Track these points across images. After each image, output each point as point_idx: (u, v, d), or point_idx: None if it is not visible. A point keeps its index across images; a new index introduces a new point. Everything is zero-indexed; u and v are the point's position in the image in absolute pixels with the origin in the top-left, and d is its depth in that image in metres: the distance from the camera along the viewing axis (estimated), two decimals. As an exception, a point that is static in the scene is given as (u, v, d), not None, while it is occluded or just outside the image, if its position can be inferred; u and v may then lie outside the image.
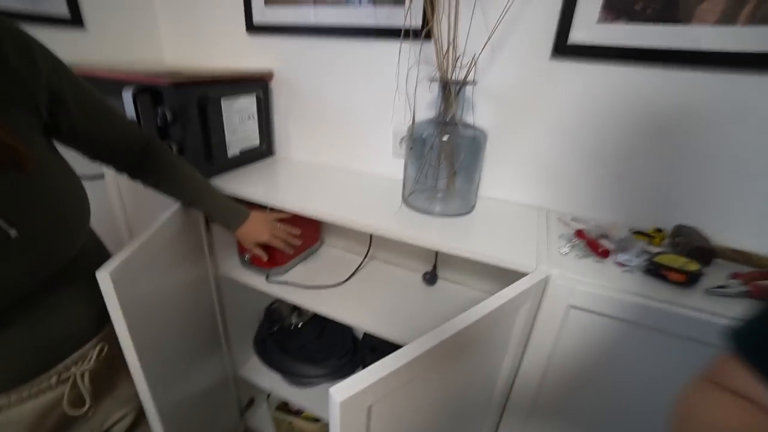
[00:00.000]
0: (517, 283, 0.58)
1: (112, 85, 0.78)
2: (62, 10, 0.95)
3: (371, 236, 1.02)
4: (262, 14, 0.97)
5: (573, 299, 0.59)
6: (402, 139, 0.92)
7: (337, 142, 1.02)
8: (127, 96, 0.77)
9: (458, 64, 0.73)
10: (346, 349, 1.09)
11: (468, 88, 0.79)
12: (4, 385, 0.50)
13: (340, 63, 0.93)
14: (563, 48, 0.72)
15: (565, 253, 0.67)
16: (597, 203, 0.80)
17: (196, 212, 0.78)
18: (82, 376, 0.57)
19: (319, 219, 0.78)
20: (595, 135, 0.76)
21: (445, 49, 0.71)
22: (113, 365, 0.65)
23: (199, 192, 0.73)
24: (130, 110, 0.79)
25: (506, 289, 0.57)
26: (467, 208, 0.82)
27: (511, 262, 0.64)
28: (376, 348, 1.05)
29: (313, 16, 0.91)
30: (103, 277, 0.55)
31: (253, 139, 1.01)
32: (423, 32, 0.78)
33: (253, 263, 0.96)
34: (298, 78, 1.00)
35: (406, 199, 0.83)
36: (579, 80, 0.73)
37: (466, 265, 0.95)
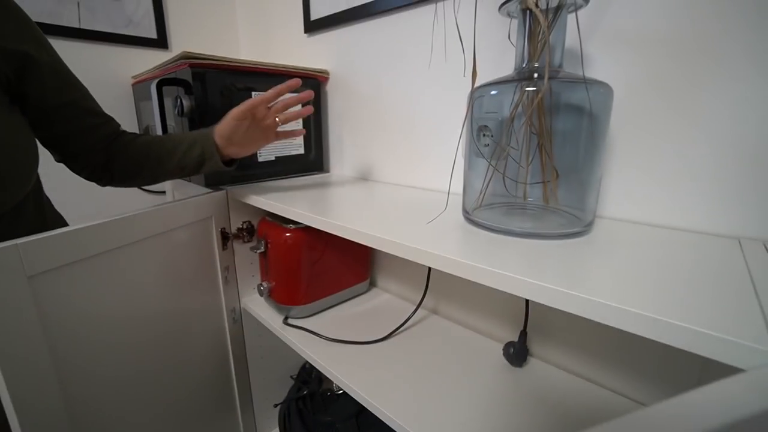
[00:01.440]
0: None
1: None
2: (152, 34, 1.02)
3: (429, 273, 0.70)
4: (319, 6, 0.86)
5: None
6: (479, 129, 0.62)
7: (399, 153, 0.78)
8: (152, 88, 0.70)
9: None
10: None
11: (565, 16, 0.48)
12: None
13: (391, 44, 0.72)
14: None
15: None
16: None
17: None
18: None
19: (355, 239, 0.51)
20: None
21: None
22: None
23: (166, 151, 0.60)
24: (155, 103, 0.71)
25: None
26: (579, 226, 0.45)
27: (718, 331, 0.26)
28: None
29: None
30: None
31: (295, 147, 0.84)
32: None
33: (271, 296, 0.74)
34: (354, 75, 0.82)
35: (468, 213, 0.51)
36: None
37: (579, 332, 0.54)
